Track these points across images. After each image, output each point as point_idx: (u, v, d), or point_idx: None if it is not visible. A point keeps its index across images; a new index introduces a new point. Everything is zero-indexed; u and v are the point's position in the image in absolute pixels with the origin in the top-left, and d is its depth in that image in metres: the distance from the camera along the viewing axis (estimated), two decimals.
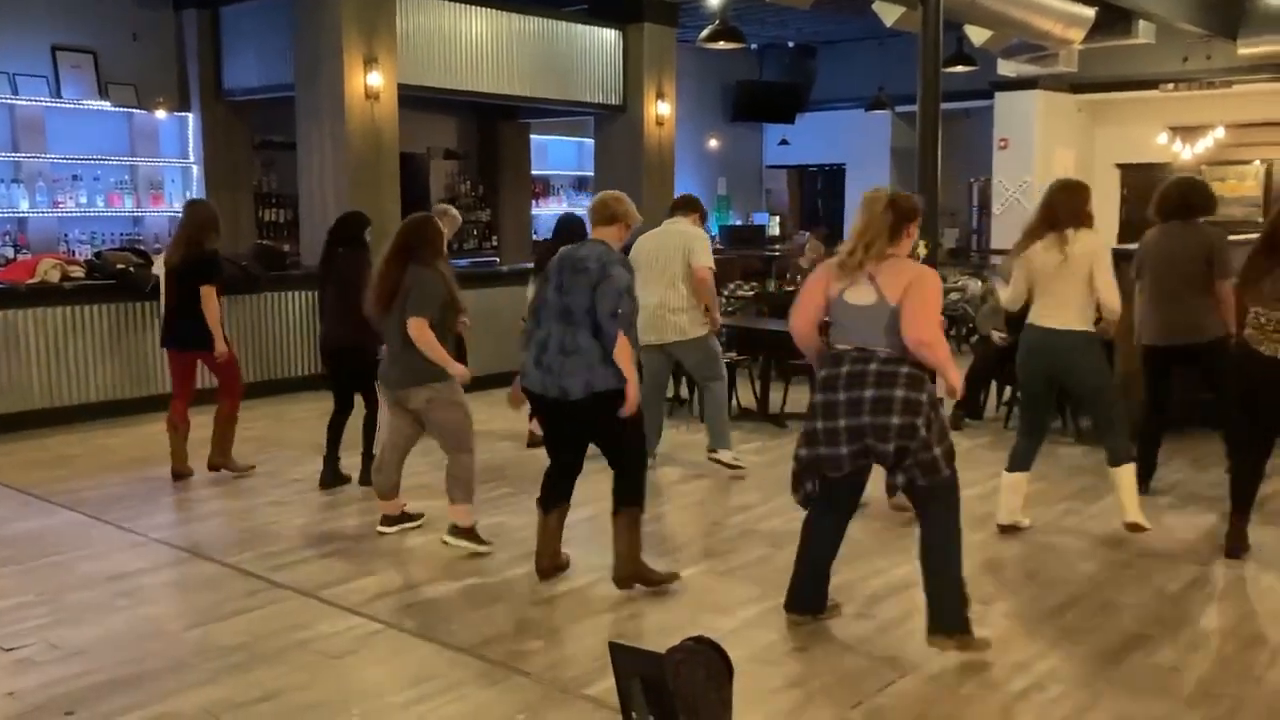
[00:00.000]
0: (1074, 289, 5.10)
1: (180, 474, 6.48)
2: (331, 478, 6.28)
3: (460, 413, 5.24)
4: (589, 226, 4.83)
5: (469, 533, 5.17)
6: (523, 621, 4.35)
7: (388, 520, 5.50)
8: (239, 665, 3.93)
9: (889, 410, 3.85)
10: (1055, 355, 5.20)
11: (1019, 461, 5.44)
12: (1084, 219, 5.14)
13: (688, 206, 6.82)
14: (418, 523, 5.54)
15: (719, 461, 6.65)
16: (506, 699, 3.69)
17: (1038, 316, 5.26)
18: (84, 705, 3.63)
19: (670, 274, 6.43)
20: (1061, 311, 5.14)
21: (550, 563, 4.84)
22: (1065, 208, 5.17)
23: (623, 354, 4.45)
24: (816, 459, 4.03)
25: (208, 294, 6.25)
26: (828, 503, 4.19)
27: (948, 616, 3.93)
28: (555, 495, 4.81)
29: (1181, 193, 5.92)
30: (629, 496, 4.63)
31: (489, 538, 5.23)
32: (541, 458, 6.98)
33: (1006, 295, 5.52)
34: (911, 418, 3.84)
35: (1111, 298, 5.09)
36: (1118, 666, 3.93)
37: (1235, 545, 5.06)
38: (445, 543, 5.16)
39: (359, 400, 6.27)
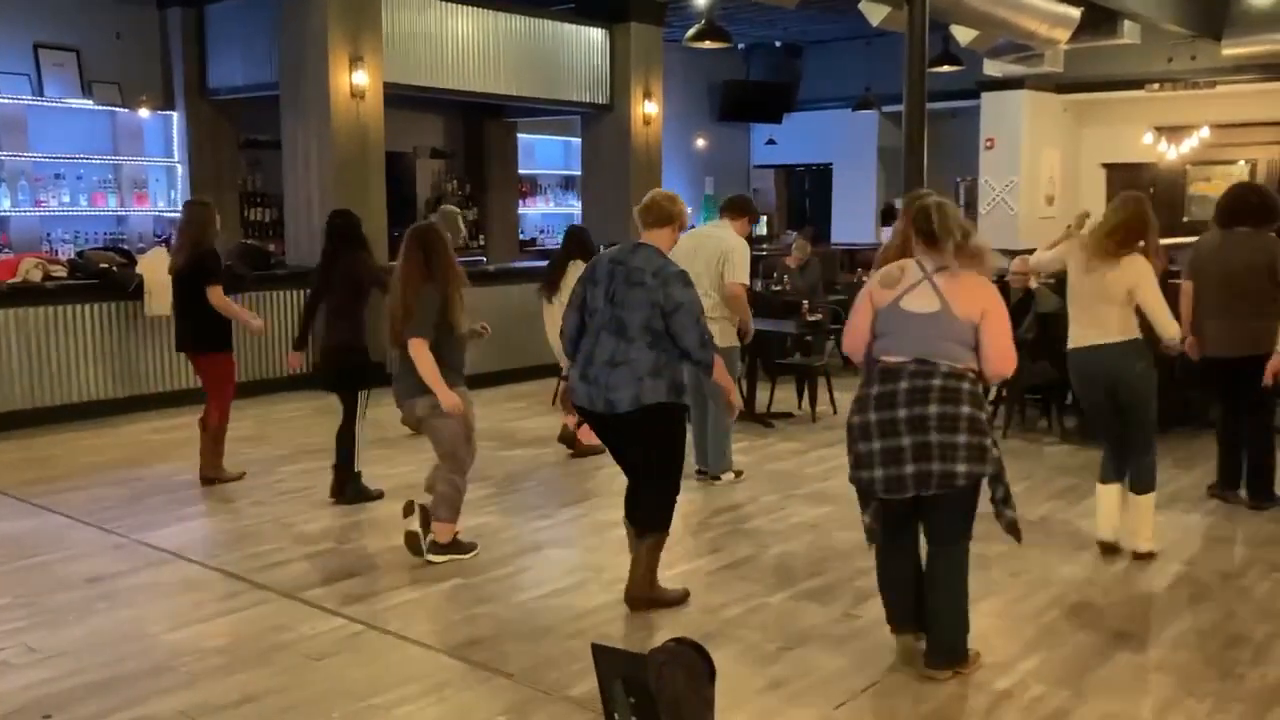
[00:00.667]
0: (1111, 309, 4.92)
1: (208, 479, 6.38)
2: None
3: (456, 426, 5.01)
4: (640, 227, 4.50)
5: (451, 546, 5.04)
6: (505, 623, 4.33)
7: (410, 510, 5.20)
8: (220, 668, 3.90)
9: (955, 429, 3.62)
10: (1106, 368, 4.97)
11: (1106, 473, 5.18)
12: (1134, 245, 4.90)
13: (737, 209, 6.45)
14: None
15: (717, 482, 6.42)
16: (489, 701, 3.67)
17: (1078, 338, 5.05)
18: (63, 709, 3.60)
19: (704, 281, 6.00)
20: (1101, 327, 4.94)
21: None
22: (1133, 232, 4.92)
23: (721, 374, 4.45)
24: (872, 482, 3.74)
25: (214, 292, 6.16)
26: (894, 532, 3.89)
27: (957, 651, 3.82)
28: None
29: (1261, 196, 5.75)
30: (656, 521, 4.41)
31: (473, 539, 5.20)
32: (528, 458, 6.99)
33: (1044, 257, 5.27)
34: (980, 438, 3.64)
35: (1164, 323, 4.89)
36: (1101, 666, 3.93)
37: None
38: (429, 562, 4.97)
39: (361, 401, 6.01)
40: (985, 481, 3.71)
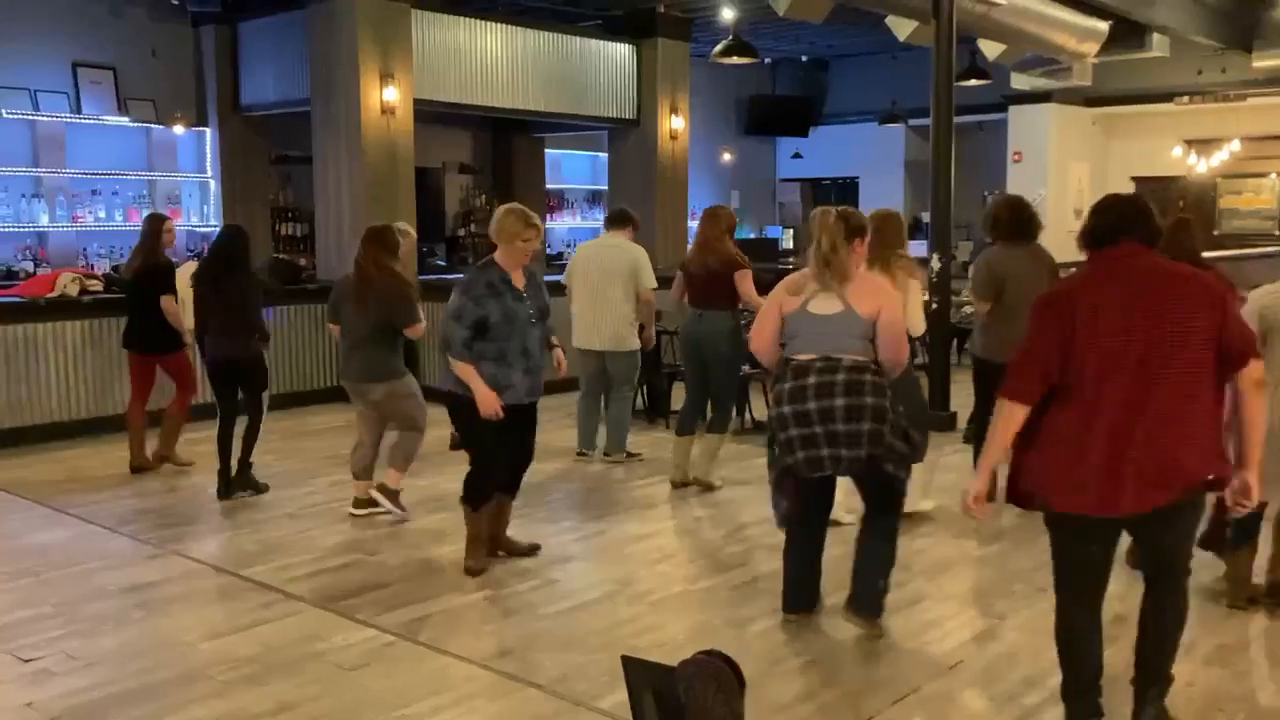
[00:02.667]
0: None
1: (139, 468, 6.99)
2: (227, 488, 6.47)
3: (413, 402, 5.89)
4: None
5: (394, 495, 5.87)
6: (535, 634, 4.36)
7: (358, 503, 5.98)
8: (253, 677, 3.95)
9: (860, 418, 4.04)
10: None
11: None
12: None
13: (624, 221, 7.17)
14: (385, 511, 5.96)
15: (609, 459, 7.22)
16: (519, 712, 3.70)
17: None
18: (100, 716, 3.66)
19: (618, 290, 6.98)
20: None
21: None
22: None
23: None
24: (796, 464, 4.16)
25: (166, 302, 6.77)
26: (802, 517, 4.38)
27: (875, 607, 4.30)
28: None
29: (1030, 213, 6.08)
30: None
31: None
32: (554, 471, 6.98)
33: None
34: (880, 425, 4.06)
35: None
36: (1130, 681, 3.90)
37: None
38: (369, 500, 5.93)
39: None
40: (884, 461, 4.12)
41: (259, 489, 6.43)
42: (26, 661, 4.09)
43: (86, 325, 8.02)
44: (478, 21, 10.39)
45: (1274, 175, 14.73)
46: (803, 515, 4.37)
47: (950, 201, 8.36)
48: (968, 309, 10.92)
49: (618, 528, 5.81)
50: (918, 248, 14.35)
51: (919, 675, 3.95)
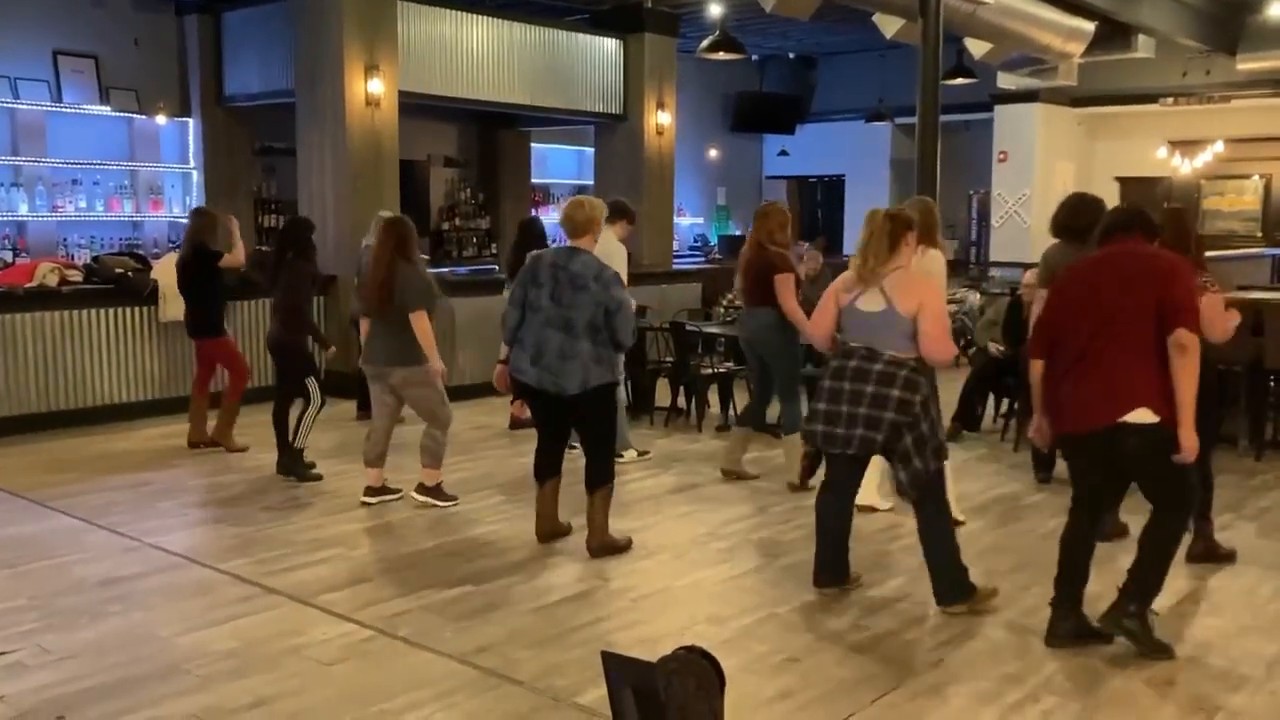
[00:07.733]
0: None
1: (193, 443, 7.35)
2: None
3: (432, 392, 5.93)
4: (568, 236, 5.33)
5: (434, 491, 6.00)
6: (515, 630, 4.34)
7: (370, 491, 6.07)
8: (230, 671, 3.92)
9: (884, 406, 4.35)
10: None
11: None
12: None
13: (616, 213, 7.07)
14: (397, 496, 6.10)
15: (620, 460, 7.13)
16: (498, 707, 3.68)
17: None
18: (75, 710, 3.62)
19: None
20: None
21: (548, 527, 5.39)
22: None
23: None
24: (814, 434, 4.59)
25: (226, 259, 7.21)
26: (829, 483, 4.75)
27: (963, 588, 4.51)
28: (547, 469, 5.35)
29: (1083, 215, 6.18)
30: (605, 476, 5.21)
31: (482, 544, 5.23)
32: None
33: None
34: (902, 416, 4.35)
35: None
36: (1113, 679, 3.92)
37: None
38: (414, 497, 6.01)
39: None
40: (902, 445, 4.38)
41: (301, 476, 6.54)
42: (0, 654, 4.04)
43: (65, 316, 7.95)
44: (464, 14, 10.34)
45: (1257, 177, 14.83)
46: (830, 484, 4.72)
47: (935, 200, 8.35)
48: (952, 308, 10.98)
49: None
50: None
51: (899, 673, 3.95)
